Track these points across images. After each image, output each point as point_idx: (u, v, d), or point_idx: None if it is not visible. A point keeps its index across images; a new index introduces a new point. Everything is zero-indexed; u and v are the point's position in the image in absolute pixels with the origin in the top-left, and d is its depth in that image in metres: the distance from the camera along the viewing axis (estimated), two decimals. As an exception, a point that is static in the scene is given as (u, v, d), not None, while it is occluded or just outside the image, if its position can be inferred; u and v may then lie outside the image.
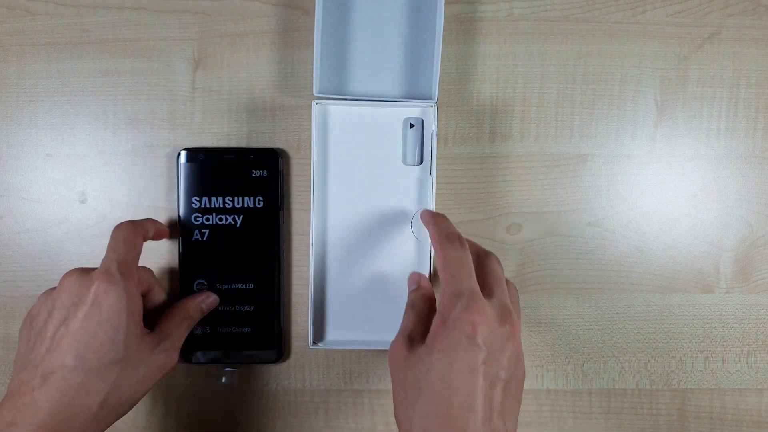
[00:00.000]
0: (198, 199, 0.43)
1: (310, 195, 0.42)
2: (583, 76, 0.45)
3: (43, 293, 0.37)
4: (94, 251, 0.45)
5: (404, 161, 0.42)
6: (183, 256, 0.43)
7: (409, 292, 0.40)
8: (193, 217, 0.43)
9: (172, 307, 0.41)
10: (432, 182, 0.41)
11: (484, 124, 0.45)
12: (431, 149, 0.41)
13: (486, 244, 0.45)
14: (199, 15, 0.44)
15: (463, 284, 0.35)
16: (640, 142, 0.45)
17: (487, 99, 0.45)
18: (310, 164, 0.42)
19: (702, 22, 0.45)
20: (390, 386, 0.40)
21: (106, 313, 0.34)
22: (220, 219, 0.43)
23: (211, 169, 0.43)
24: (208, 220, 0.43)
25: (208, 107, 0.44)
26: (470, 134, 0.45)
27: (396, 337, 0.36)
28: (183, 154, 0.43)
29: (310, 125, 0.41)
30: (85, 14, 0.44)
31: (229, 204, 0.43)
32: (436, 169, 0.41)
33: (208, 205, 0.43)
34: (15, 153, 0.45)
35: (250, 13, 0.44)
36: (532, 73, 0.45)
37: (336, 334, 0.42)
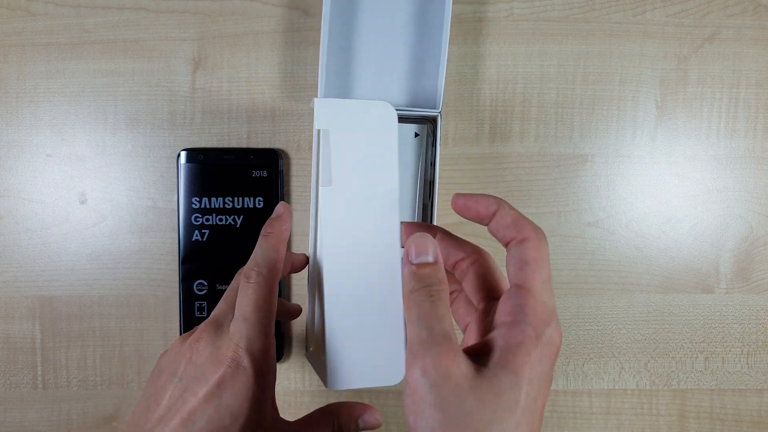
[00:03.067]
0: (198, 199, 0.43)
1: (310, 195, 0.42)
2: (583, 76, 0.45)
3: (182, 337, 0.33)
4: (93, 252, 0.45)
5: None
6: (183, 256, 0.43)
7: (417, 267, 0.28)
8: (193, 217, 0.43)
9: (325, 409, 0.34)
10: (435, 193, 0.40)
11: (484, 124, 0.45)
12: (433, 154, 0.41)
13: (486, 245, 0.45)
14: (199, 15, 0.44)
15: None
16: (640, 143, 0.45)
17: (487, 99, 0.45)
18: (310, 164, 0.42)
19: (702, 23, 0.45)
20: (389, 387, 0.39)
21: (228, 398, 0.30)
22: (220, 219, 0.43)
23: (211, 169, 0.43)
24: (208, 220, 0.43)
25: (208, 108, 0.44)
26: (470, 134, 0.45)
27: (427, 343, 0.25)
28: (183, 154, 0.43)
29: (311, 125, 0.41)
30: (85, 15, 0.44)
31: (229, 204, 0.43)
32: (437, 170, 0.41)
33: (208, 206, 0.43)
34: (15, 153, 0.45)
35: (250, 13, 0.44)
36: (532, 73, 0.45)
37: None
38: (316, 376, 0.46)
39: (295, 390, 0.46)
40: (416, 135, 0.41)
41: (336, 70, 0.41)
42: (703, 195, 0.46)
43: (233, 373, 0.30)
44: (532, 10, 0.44)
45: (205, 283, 0.44)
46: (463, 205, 0.30)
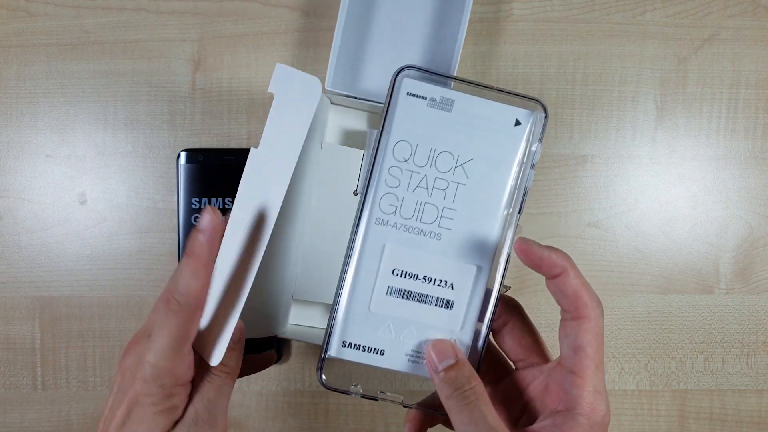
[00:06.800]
0: (198, 200, 0.43)
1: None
2: (582, 77, 0.45)
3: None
4: (93, 252, 0.45)
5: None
6: (183, 257, 0.43)
7: (444, 373, 0.28)
8: (193, 218, 0.43)
9: None
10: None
11: (484, 124, 0.45)
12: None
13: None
14: (199, 16, 0.44)
15: None
16: (640, 143, 0.45)
17: (486, 100, 0.45)
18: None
19: (701, 23, 0.45)
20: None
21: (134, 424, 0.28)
22: (220, 220, 0.43)
23: (211, 169, 0.43)
24: (208, 221, 0.43)
25: (208, 108, 0.44)
26: (470, 135, 0.45)
27: None
28: (183, 155, 0.43)
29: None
30: (85, 15, 0.44)
31: (229, 205, 0.43)
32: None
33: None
34: (15, 154, 0.45)
35: (249, 14, 0.44)
36: (532, 74, 0.45)
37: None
38: (315, 377, 0.46)
39: (294, 390, 0.46)
40: (518, 123, 0.30)
41: (347, 59, 0.41)
42: (703, 195, 0.46)
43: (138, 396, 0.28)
44: (532, 11, 0.44)
45: (205, 284, 0.44)
46: (526, 254, 0.29)
